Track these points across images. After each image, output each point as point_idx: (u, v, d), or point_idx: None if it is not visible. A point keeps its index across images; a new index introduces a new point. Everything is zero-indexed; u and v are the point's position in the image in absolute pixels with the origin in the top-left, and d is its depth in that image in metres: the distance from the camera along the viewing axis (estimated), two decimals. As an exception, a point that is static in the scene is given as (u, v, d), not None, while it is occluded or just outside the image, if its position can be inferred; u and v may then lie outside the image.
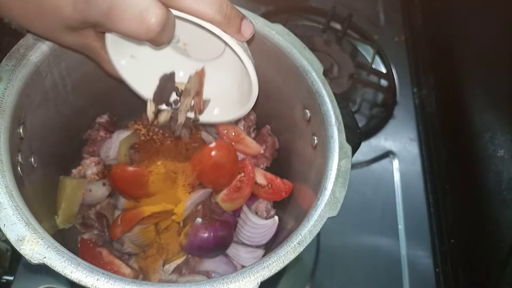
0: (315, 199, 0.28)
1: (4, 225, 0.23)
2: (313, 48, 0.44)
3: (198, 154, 0.35)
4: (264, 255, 0.35)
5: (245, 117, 0.40)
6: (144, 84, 0.29)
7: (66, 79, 0.33)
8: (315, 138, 0.32)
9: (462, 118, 0.49)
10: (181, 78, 0.30)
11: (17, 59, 0.28)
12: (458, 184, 0.48)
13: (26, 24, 0.25)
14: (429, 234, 0.47)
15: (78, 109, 0.36)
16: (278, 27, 0.32)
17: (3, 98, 0.26)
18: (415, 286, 0.44)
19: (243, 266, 0.35)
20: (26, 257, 0.22)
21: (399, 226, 0.47)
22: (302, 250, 0.25)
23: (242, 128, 0.39)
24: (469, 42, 0.51)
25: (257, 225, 0.36)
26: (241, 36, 0.24)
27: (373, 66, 0.54)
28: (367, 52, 0.57)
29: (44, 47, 0.29)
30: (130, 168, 0.34)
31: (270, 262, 0.24)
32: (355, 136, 0.32)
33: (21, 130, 0.28)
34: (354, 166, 0.48)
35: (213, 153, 0.34)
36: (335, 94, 0.31)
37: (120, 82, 0.30)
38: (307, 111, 0.33)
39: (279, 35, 0.32)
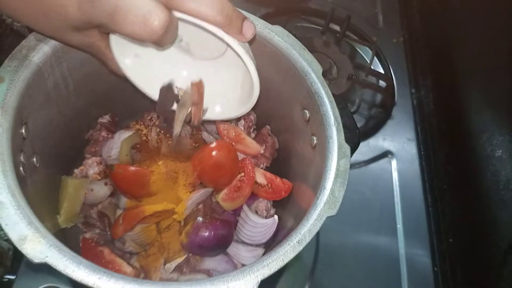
0: (314, 198, 0.28)
1: (6, 224, 0.23)
2: (312, 50, 0.45)
3: (199, 154, 0.36)
4: (264, 254, 0.35)
5: (245, 118, 0.40)
6: (148, 82, 0.30)
7: (68, 79, 0.33)
8: (314, 138, 0.32)
9: (460, 119, 0.49)
10: (184, 78, 0.30)
11: (19, 60, 0.28)
12: (456, 183, 0.48)
13: (31, 24, 0.25)
14: (427, 233, 0.47)
15: (80, 109, 0.36)
16: (278, 28, 0.33)
17: (5, 99, 0.26)
18: (414, 285, 0.44)
19: (243, 265, 0.35)
20: (28, 256, 0.22)
21: (398, 226, 0.47)
22: (301, 249, 0.25)
23: (242, 128, 0.40)
24: (467, 43, 0.51)
25: (257, 224, 0.36)
26: (243, 36, 0.24)
27: (372, 67, 0.55)
28: (365, 53, 0.58)
29: (46, 48, 0.29)
30: (132, 168, 0.34)
31: (270, 260, 0.24)
32: (354, 136, 0.32)
33: (23, 130, 0.28)
34: (353, 166, 0.48)
35: (213, 153, 0.34)
36: (334, 95, 0.31)
37: (124, 81, 0.30)
38: (307, 111, 0.33)
39: (278, 36, 0.32)
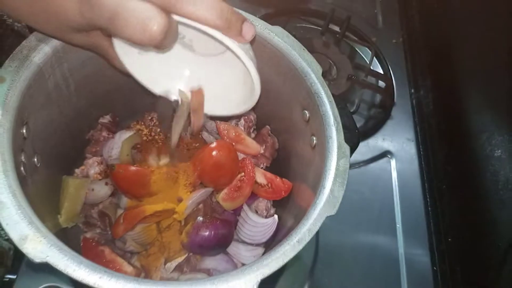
0: (314, 198, 0.28)
1: (7, 224, 0.23)
2: (312, 50, 0.45)
3: (199, 154, 0.36)
4: (264, 253, 0.35)
5: (245, 118, 0.40)
6: (152, 79, 0.30)
7: (69, 80, 0.33)
8: (314, 138, 0.32)
9: (459, 119, 0.49)
10: (186, 78, 0.30)
11: (20, 60, 0.28)
12: (456, 183, 0.48)
13: (32, 23, 0.25)
14: (426, 233, 0.47)
15: (80, 109, 0.36)
16: (278, 29, 0.33)
17: (6, 99, 0.26)
18: (413, 284, 0.44)
19: (243, 264, 0.35)
20: (29, 255, 0.22)
21: (397, 225, 0.47)
22: (301, 248, 0.25)
23: (242, 128, 0.40)
24: (466, 43, 0.52)
25: (257, 223, 0.36)
26: (243, 38, 0.24)
27: (371, 68, 0.55)
28: (365, 53, 0.58)
29: (46, 49, 0.29)
30: (132, 168, 0.34)
31: (270, 260, 0.25)
32: (354, 136, 0.32)
33: (24, 130, 0.28)
34: (352, 165, 0.49)
35: (214, 153, 0.34)
36: (333, 95, 0.31)
37: (127, 77, 0.30)
38: (306, 111, 0.33)
39: (278, 37, 0.33)
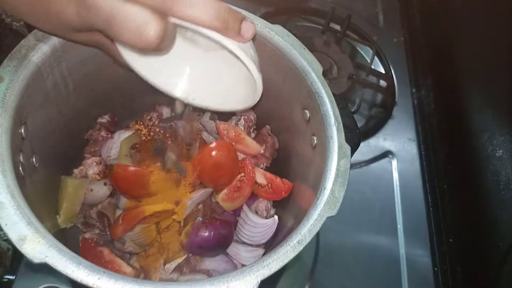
0: (314, 198, 0.28)
1: (6, 224, 0.23)
2: (312, 49, 0.44)
3: (199, 154, 0.36)
4: (264, 254, 0.35)
5: (245, 117, 0.40)
6: (155, 74, 0.30)
7: (68, 79, 0.33)
8: (315, 138, 0.32)
9: (460, 118, 0.49)
10: (189, 73, 0.30)
11: (19, 59, 0.28)
12: (457, 183, 0.48)
13: (34, 23, 0.25)
14: (427, 233, 0.47)
15: (79, 109, 0.36)
16: (278, 28, 0.33)
17: (4, 98, 0.26)
18: (414, 285, 0.44)
19: (243, 265, 0.35)
20: (28, 256, 0.22)
21: (398, 226, 0.47)
22: (301, 249, 0.25)
23: (242, 128, 0.39)
24: (468, 43, 0.51)
25: (257, 224, 0.36)
26: (242, 38, 0.24)
27: (372, 67, 0.54)
28: (366, 53, 0.57)
29: (45, 48, 0.29)
30: (131, 168, 0.34)
31: (270, 261, 0.24)
32: (354, 136, 0.32)
33: (22, 130, 0.28)
34: (353, 166, 0.48)
35: (213, 153, 0.34)
36: (334, 95, 0.31)
37: (130, 71, 0.30)
38: (307, 111, 0.33)
39: (278, 36, 0.32)
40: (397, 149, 0.52)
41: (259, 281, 0.23)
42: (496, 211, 0.41)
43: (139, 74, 0.29)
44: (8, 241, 0.38)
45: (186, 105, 0.31)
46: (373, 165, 0.50)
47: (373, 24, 0.61)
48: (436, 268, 0.45)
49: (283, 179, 0.37)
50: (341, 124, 0.30)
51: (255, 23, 0.32)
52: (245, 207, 0.37)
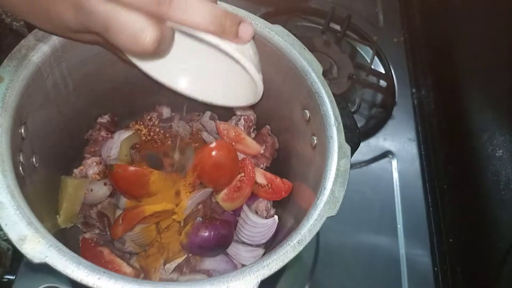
0: (314, 198, 0.28)
1: (6, 224, 0.23)
2: (312, 49, 0.44)
3: (199, 154, 0.36)
4: (264, 254, 0.35)
5: (245, 117, 0.40)
6: (159, 69, 0.29)
7: (68, 79, 0.33)
8: (315, 138, 0.32)
9: (460, 118, 0.49)
10: (192, 67, 0.30)
11: (19, 59, 0.28)
12: (457, 183, 0.48)
13: (34, 22, 0.25)
14: (427, 234, 0.47)
15: (79, 109, 0.36)
16: (278, 28, 0.33)
17: (4, 98, 0.26)
18: (414, 285, 0.44)
19: (243, 265, 0.35)
20: (28, 256, 0.22)
21: (398, 226, 0.47)
22: (301, 249, 0.25)
23: (242, 128, 0.39)
24: (468, 42, 0.51)
25: (257, 224, 0.36)
26: (240, 40, 0.24)
27: (372, 67, 0.54)
28: (366, 53, 0.57)
29: (45, 48, 0.29)
30: (131, 168, 0.34)
31: (270, 261, 0.24)
32: (354, 136, 0.32)
33: (22, 130, 0.28)
34: (353, 166, 0.48)
35: (213, 153, 0.34)
36: (334, 95, 0.31)
37: (132, 66, 0.30)
38: (307, 111, 0.33)
39: (278, 36, 0.32)
40: (397, 149, 0.52)
41: (259, 281, 0.23)
42: (496, 211, 0.41)
43: (141, 70, 0.29)
44: (8, 241, 0.38)
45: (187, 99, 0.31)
46: (373, 165, 0.50)
47: (373, 24, 0.61)
48: (436, 268, 0.45)
49: (283, 179, 0.37)
50: (341, 124, 0.30)
51: (255, 23, 0.32)
52: (245, 207, 0.37)
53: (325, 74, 0.41)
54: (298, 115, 0.34)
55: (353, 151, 0.30)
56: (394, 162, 0.51)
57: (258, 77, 0.27)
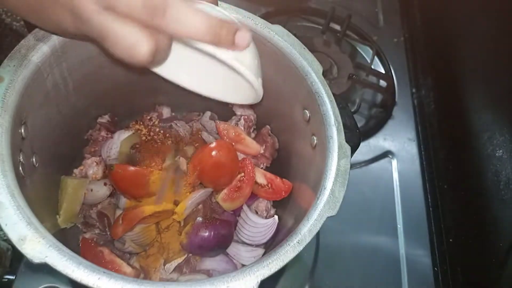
0: (314, 198, 0.28)
1: (6, 224, 0.23)
2: (312, 49, 0.44)
3: (199, 154, 0.36)
4: (264, 254, 0.35)
5: (245, 117, 0.40)
6: (162, 65, 0.29)
7: (68, 79, 0.33)
8: (315, 138, 0.32)
9: (460, 118, 0.49)
10: (195, 62, 0.30)
11: (19, 59, 0.28)
12: (457, 183, 0.48)
13: (35, 22, 0.25)
14: (427, 234, 0.47)
15: (79, 109, 0.36)
16: (278, 28, 0.33)
17: (4, 98, 0.26)
18: (414, 285, 0.44)
19: (243, 265, 0.35)
20: (28, 256, 0.22)
21: (398, 226, 0.47)
22: (301, 249, 0.25)
23: (242, 128, 0.39)
24: (468, 42, 0.51)
25: (257, 224, 0.36)
26: (237, 48, 0.24)
27: (372, 67, 0.54)
28: (366, 53, 0.57)
29: (45, 48, 0.29)
30: (131, 168, 0.34)
31: (270, 261, 0.24)
32: (354, 136, 0.32)
33: (22, 130, 0.28)
34: (353, 166, 0.48)
35: (213, 153, 0.34)
36: (334, 95, 0.31)
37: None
38: (307, 111, 0.33)
39: (278, 36, 0.32)
40: (397, 149, 0.52)
41: (259, 281, 0.23)
42: (496, 211, 0.41)
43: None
44: (7, 241, 0.38)
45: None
46: (373, 165, 0.50)
47: (373, 24, 0.61)
48: (436, 268, 0.45)
49: (283, 179, 0.37)
50: (341, 124, 0.30)
51: (255, 23, 0.32)
52: (245, 207, 0.37)
53: (325, 74, 0.41)
54: (298, 115, 0.34)
55: (353, 151, 0.30)
56: (394, 162, 0.51)
57: (256, 83, 0.27)
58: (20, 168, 0.28)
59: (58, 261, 0.22)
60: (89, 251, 0.33)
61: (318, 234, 0.26)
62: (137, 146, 0.39)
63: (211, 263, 0.35)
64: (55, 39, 0.29)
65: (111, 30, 0.21)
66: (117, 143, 0.38)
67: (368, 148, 0.51)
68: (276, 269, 0.24)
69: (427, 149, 0.52)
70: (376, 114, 0.54)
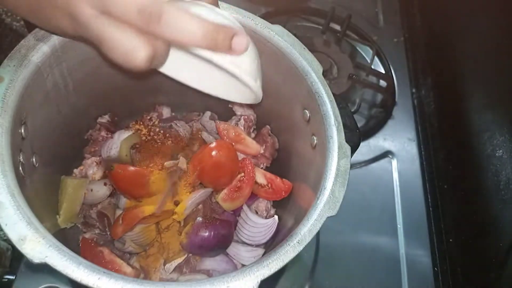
0: (314, 198, 0.28)
1: (6, 224, 0.23)
2: (312, 49, 0.44)
3: (199, 154, 0.36)
4: (264, 254, 0.35)
5: (245, 118, 0.40)
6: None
7: (68, 79, 0.33)
8: (315, 138, 0.32)
9: (460, 118, 0.49)
10: (197, 59, 0.30)
11: (19, 59, 0.28)
12: (457, 183, 0.48)
13: (34, 22, 0.25)
14: (427, 234, 0.47)
15: (79, 109, 0.36)
16: (278, 28, 0.33)
17: (4, 98, 0.26)
18: (414, 285, 0.44)
19: (243, 265, 0.35)
20: (28, 256, 0.22)
21: (398, 226, 0.47)
22: (301, 249, 0.25)
23: (242, 128, 0.39)
24: (468, 42, 0.51)
25: (257, 224, 0.36)
26: (234, 52, 0.24)
27: (372, 67, 0.54)
28: (366, 53, 0.57)
29: (45, 48, 0.29)
30: (131, 168, 0.34)
31: (270, 261, 0.24)
32: (354, 136, 0.32)
33: (22, 130, 0.28)
34: (353, 166, 0.48)
35: (213, 153, 0.34)
36: (334, 95, 0.31)
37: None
38: (307, 111, 0.33)
39: (278, 36, 0.32)
40: (397, 149, 0.52)
41: (259, 281, 0.23)
42: (496, 211, 0.41)
43: None
44: (7, 240, 0.38)
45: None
46: (373, 165, 0.50)
47: (373, 24, 0.61)
48: (436, 268, 0.45)
49: (283, 179, 0.37)
50: (341, 124, 0.30)
51: (255, 23, 0.32)
52: (245, 207, 0.37)
53: (325, 74, 0.41)
54: (298, 115, 0.34)
55: (353, 151, 0.30)
56: (394, 162, 0.51)
57: (255, 86, 0.26)
58: (20, 168, 0.28)
59: (58, 261, 0.22)
60: (89, 251, 0.33)
61: (318, 234, 0.26)
62: (137, 146, 0.39)
63: (211, 263, 0.35)
64: (55, 39, 0.29)
65: (108, 35, 0.21)
66: (117, 143, 0.38)
67: (368, 148, 0.51)
68: (276, 269, 0.24)
69: (427, 149, 0.52)
70: (376, 114, 0.54)
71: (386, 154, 0.51)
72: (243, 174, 0.36)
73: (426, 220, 0.48)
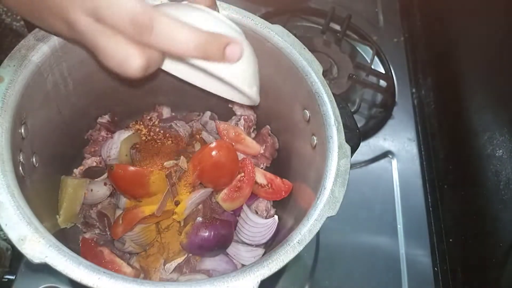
0: (314, 198, 0.28)
1: (6, 224, 0.23)
2: (312, 49, 0.44)
3: (199, 154, 0.36)
4: (264, 254, 0.35)
5: (245, 118, 0.40)
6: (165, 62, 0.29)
7: (68, 79, 0.33)
8: (315, 138, 0.32)
9: (460, 118, 0.49)
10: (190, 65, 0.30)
11: (19, 59, 0.28)
12: (457, 183, 0.48)
13: (34, 22, 0.26)
14: (427, 233, 0.47)
15: (79, 109, 0.36)
16: (278, 28, 0.33)
17: (4, 98, 0.26)
18: (414, 285, 0.44)
19: (243, 265, 0.35)
20: (28, 256, 0.22)
21: (398, 226, 0.47)
22: (301, 249, 0.25)
23: (242, 128, 0.39)
24: (468, 42, 0.51)
25: (257, 224, 0.36)
26: (227, 61, 0.24)
27: (372, 67, 0.54)
28: (366, 53, 0.57)
29: (45, 48, 0.29)
30: (131, 168, 0.34)
31: (270, 261, 0.24)
32: (354, 136, 0.32)
33: (22, 130, 0.28)
34: (353, 166, 0.48)
35: (213, 153, 0.34)
36: (334, 95, 0.31)
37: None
38: (307, 111, 0.33)
39: (278, 36, 0.32)
40: (397, 149, 0.52)
41: (259, 281, 0.23)
42: (496, 211, 0.41)
43: None
44: (7, 240, 0.38)
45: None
46: (373, 165, 0.50)
47: (373, 24, 0.61)
48: (436, 268, 0.45)
49: (283, 179, 0.37)
50: (341, 124, 0.30)
51: (255, 23, 0.32)
52: (245, 207, 0.37)
53: (325, 74, 0.41)
54: (298, 115, 0.34)
55: (353, 151, 0.30)
56: (394, 162, 0.51)
57: (250, 92, 0.26)
58: (20, 168, 0.28)
59: (58, 261, 0.22)
60: (89, 251, 0.33)
61: (318, 234, 0.26)
62: (137, 146, 0.39)
63: (211, 263, 0.35)
64: (55, 39, 0.29)
65: (103, 44, 0.22)
66: (117, 143, 0.38)
67: (368, 148, 0.51)
68: (276, 269, 0.24)
69: (427, 149, 0.52)
70: (376, 114, 0.54)
71: (386, 154, 0.51)
72: (243, 174, 0.36)
73: (426, 220, 0.48)
